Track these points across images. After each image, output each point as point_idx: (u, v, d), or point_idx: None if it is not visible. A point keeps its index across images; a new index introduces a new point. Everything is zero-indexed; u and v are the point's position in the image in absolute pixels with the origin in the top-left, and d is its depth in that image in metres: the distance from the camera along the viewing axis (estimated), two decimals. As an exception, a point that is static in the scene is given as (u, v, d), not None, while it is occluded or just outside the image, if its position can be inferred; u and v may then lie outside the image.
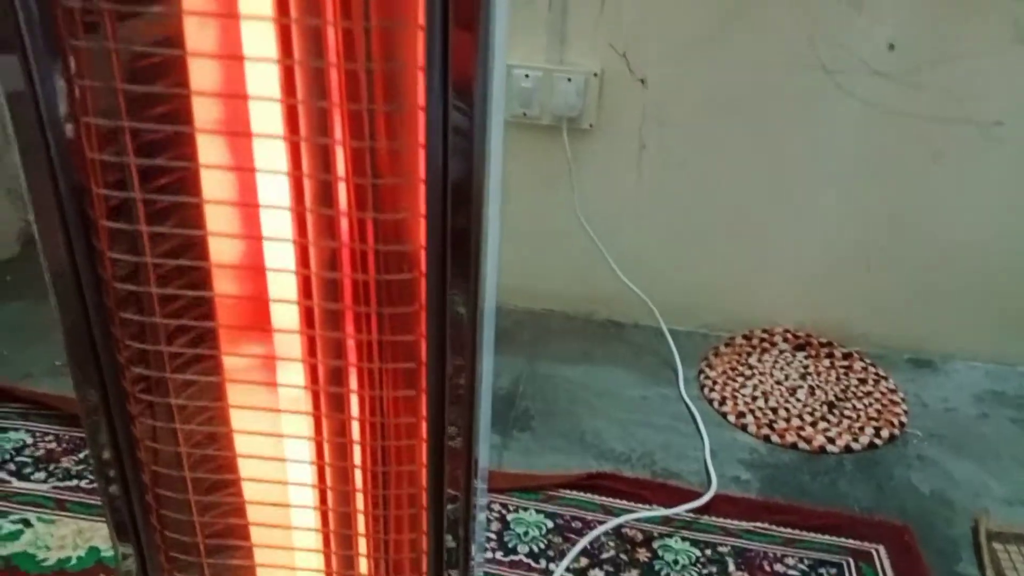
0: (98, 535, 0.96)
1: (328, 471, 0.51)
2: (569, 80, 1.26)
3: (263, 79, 0.35)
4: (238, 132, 0.36)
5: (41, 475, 1.04)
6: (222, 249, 0.38)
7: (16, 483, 1.03)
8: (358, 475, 0.50)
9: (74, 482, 1.03)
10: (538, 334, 1.44)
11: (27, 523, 0.97)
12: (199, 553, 0.49)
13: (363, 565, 0.51)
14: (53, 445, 1.10)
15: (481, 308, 0.43)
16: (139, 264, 0.43)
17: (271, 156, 0.37)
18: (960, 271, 1.33)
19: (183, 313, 0.44)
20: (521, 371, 1.33)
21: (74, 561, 0.92)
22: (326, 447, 0.50)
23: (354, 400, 0.46)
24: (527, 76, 1.27)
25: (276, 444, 0.51)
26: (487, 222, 0.42)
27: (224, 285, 0.40)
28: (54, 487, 1.02)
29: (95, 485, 0.56)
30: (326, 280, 0.39)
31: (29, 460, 1.07)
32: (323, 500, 0.53)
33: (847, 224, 1.33)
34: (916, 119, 1.23)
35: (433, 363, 0.43)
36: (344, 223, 0.37)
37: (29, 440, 1.10)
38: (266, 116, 0.35)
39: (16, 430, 1.12)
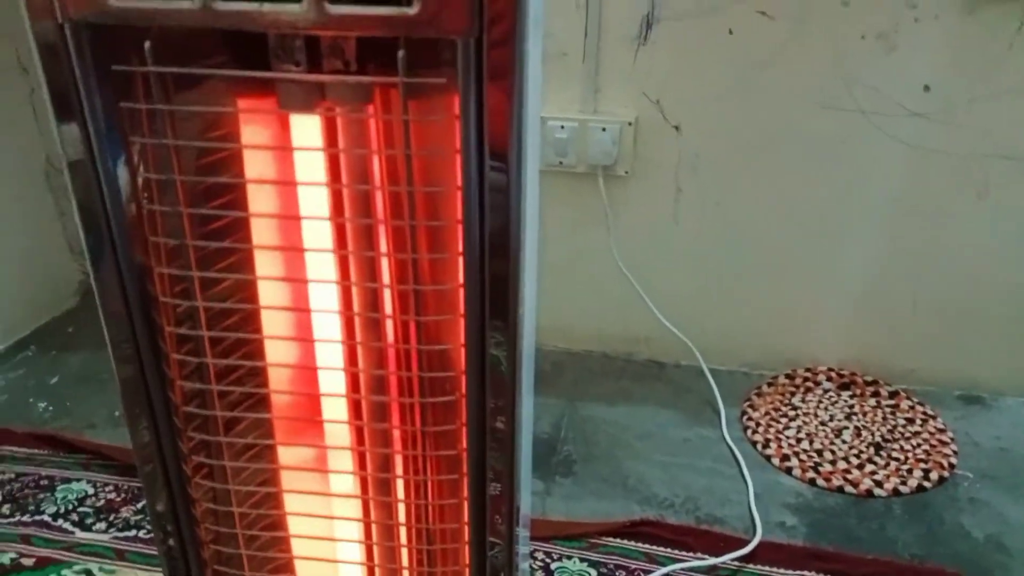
0: (157, 586, 0.99)
1: (374, 528, 0.52)
2: (604, 129, 1.29)
3: (316, 201, 0.37)
4: (295, 248, 0.38)
5: (102, 525, 1.08)
6: (277, 348, 0.41)
7: (79, 533, 1.07)
8: (402, 530, 0.52)
9: (133, 532, 1.07)
10: (578, 375, 1.45)
11: (89, 573, 1.01)
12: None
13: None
14: (113, 495, 1.14)
15: (520, 352, 0.44)
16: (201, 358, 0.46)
17: (323, 267, 0.40)
18: (1009, 305, 1.31)
19: (241, 390, 0.47)
20: (562, 413, 1.34)
21: (134, 612, 0.96)
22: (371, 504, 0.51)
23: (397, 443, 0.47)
24: (562, 127, 1.30)
25: (325, 505, 0.53)
26: (523, 271, 0.43)
27: (280, 383, 0.43)
28: (114, 537, 1.07)
29: (153, 535, 0.59)
30: (373, 376, 0.41)
31: (91, 510, 1.11)
32: (369, 556, 0.55)
33: (890, 261, 1.32)
34: (956, 157, 1.22)
35: (473, 407, 0.44)
36: (389, 325, 0.40)
37: (91, 490, 1.15)
38: (318, 234, 0.38)
39: (78, 480, 1.17)
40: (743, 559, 1.02)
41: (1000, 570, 1.02)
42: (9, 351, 1.52)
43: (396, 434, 0.42)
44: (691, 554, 1.03)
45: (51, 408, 1.35)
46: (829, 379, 1.39)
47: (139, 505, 1.12)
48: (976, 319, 1.33)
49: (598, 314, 1.48)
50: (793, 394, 1.36)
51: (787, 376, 1.40)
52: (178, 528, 0.56)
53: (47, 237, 1.60)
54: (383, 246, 0.37)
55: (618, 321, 1.46)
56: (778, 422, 1.29)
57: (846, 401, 1.34)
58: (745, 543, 1.04)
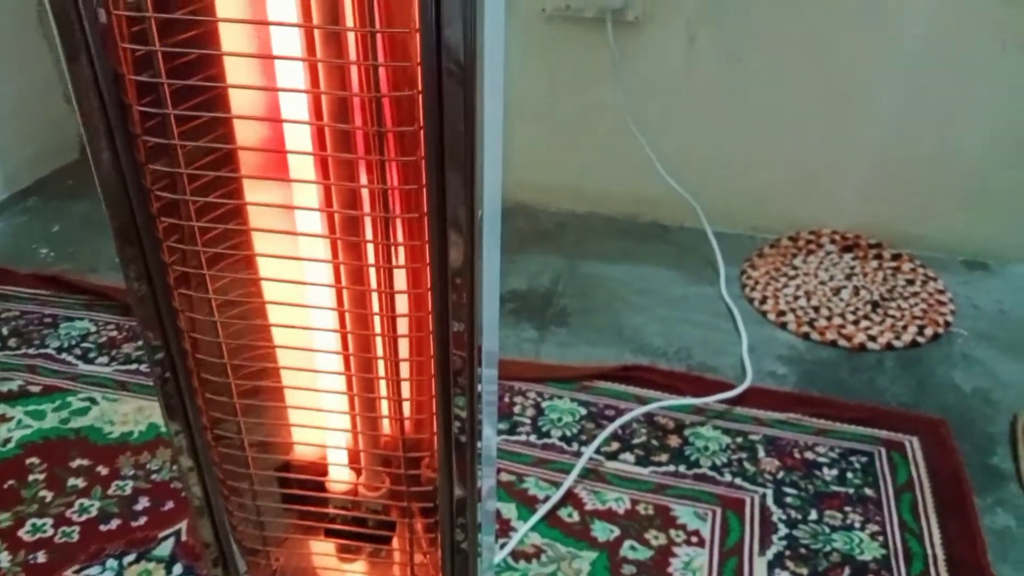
0: (157, 413, 1.02)
1: (348, 316, 0.52)
2: (613, -31, 1.22)
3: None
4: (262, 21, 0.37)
5: (104, 359, 1.11)
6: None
7: (82, 366, 1.10)
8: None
9: (134, 366, 1.10)
10: (581, 235, 1.44)
11: (93, 401, 1.04)
12: (232, 395, 0.52)
13: (384, 407, 0.53)
14: (115, 333, 1.16)
15: (480, 186, 0.42)
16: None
17: (286, 11, 0.38)
18: None
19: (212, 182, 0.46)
20: (561, 271, 1.34)
21: (136, 435, 0.99)
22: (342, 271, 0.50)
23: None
24: (569, -35, 1.23)
25: (300, 293, 0.52)
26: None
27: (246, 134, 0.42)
28: (116, 370, 1.09)
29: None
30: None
31: (93, 346, 1.13)
32: (346, 355, 0.54)
33: (905, 121, 1.27)
34: (986, 4, 1.15)
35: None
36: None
37: (93, 328, 1.17)
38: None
39: (81, 319, 1.19)
40: (731, 401, 1.04)
41: (983, 420, 1.03)
42: (11, 200, 1.52)
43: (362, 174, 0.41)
44: (681, 397, 1.05)
45: (53, 253, 1.36)
46: (832, 241, 1.37)
47: (139, 343, 1.14)
48: (990, 184, 1.29)
49: (604, 174, 1.45)
50: (795, 255, 1.35)
51: (790, 238, 1.39)
52: (165, 340, 0.56)
53: (44, 89, 1.57)
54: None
55: (624, 181, 1.44)
56: (777, 281, 1.28)
57: (848, 263, 1.33)
58: (734, 387, 1.05)
